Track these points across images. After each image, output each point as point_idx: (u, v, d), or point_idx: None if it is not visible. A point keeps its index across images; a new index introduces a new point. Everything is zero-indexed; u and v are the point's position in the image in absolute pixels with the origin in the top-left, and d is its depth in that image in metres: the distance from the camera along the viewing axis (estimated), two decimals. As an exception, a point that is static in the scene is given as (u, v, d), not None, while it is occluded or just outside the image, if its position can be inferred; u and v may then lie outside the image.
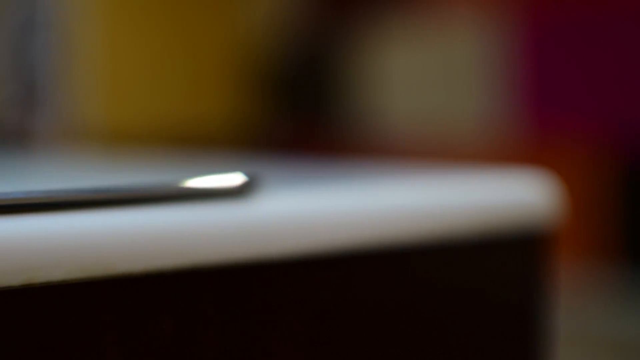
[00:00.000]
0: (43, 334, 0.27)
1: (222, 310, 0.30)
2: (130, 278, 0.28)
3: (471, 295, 0.38)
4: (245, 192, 0.31)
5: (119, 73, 1.32)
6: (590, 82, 1.20)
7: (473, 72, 1.26)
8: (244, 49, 1.47)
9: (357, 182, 0.38)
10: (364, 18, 1.37)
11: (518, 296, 0.41)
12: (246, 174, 0.31)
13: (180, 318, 0.30)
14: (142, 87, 1.35)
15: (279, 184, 0.35)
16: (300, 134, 1.42)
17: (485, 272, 0.39)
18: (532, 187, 0.41)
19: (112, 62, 1.32)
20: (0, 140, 1.20)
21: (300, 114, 1.45)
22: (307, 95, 1.45)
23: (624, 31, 1.18)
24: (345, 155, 1.24)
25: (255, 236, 0.30)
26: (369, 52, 1.36)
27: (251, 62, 1.47)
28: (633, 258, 1.17)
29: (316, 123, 1.41)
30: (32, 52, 1.25)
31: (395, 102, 1.34)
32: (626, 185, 1.17)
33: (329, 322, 0.33)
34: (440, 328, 0.37)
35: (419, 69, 1.32)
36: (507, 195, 0.40)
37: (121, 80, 1.32)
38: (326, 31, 1.43)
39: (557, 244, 0.43)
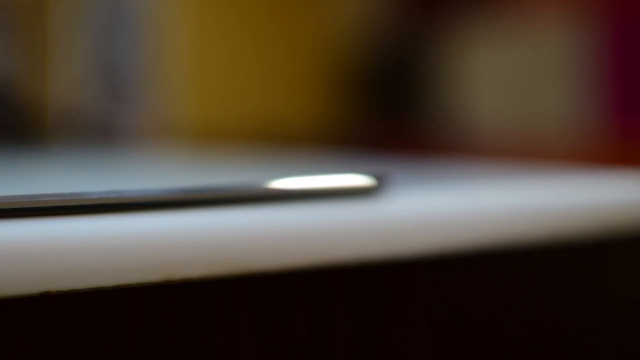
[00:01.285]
0: (181, 328, 0.28)
1: (353, 308, 0.31)
2: (265, 275, 0.29)
3: (588, 294, 0.38)
4: (376, 191, 0.31)
5: (208, 70, 1.33)
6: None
7: (558, 71, 1.25)
8: (333, 48, 1.47)
9: (478, 181, 0.39)
10: (450, 18, 1.36)
11: (633, 296, 0.40)
12: (375, 173, 0.31)
13: (313, 315, 0.30)
14: (230, 85, 1.36)
15: (402, 183, 0.35)
16: (387, 132, 1.42)
17: (601, 272, 0.39)
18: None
19: (201, 60, 1.33)
20: (89, 137, 1.21)
21: (388, 113, 1.45)
22: (394, 95, 1.45)
23: None
24: (433, 155, 1.24)
25: (388, 235, 0.31)
26: (455, 52, 1.36)
27: (339, 62, 1.48)
28: None
29: (403, 122, 1.41)
30: (119, 48, 1.27)
31: (480, 101, 1.34)
32: None
33: (456, 321, 0.33)
34: (557, 326, 0.37)
35: (505, 68, 1.31)
36: (621, 195, 0.40)
37: (210, 77, 1.33)
38: (413, 31, 1.42)
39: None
